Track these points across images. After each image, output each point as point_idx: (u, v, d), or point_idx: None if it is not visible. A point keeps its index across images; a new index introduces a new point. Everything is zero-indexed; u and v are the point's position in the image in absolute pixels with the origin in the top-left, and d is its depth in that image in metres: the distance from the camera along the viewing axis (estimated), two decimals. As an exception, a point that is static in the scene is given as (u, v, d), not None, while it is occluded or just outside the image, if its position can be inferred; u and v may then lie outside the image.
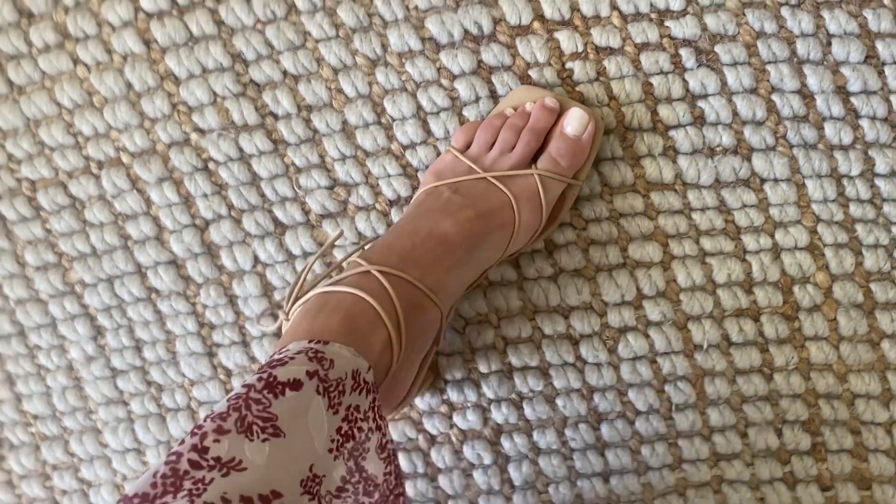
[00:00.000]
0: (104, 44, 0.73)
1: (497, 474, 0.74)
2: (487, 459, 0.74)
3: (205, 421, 0.45)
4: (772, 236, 0.68)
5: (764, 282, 0.69)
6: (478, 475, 0.74)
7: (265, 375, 0.47)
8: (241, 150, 0.73)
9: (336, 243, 0.74)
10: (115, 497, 0.81)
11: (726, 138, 0.67)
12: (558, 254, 0.71)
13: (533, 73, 0.68)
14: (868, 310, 0.69)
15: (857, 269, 0.68)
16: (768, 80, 0.66)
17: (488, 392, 0.73)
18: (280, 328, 0.69)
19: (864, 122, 0.66)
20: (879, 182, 0.67)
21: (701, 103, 0.67)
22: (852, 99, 0.66)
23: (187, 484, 0.41)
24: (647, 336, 0.71)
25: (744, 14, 0.66)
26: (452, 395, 0.74)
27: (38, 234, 0.78)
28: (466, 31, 0.69)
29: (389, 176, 0.72)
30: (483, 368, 0.73)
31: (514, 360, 0.72)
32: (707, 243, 0.69)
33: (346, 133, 0.72)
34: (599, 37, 0.67)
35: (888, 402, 0.70)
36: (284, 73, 0.71)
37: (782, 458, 0.71)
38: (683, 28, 0.66)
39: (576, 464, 0.73)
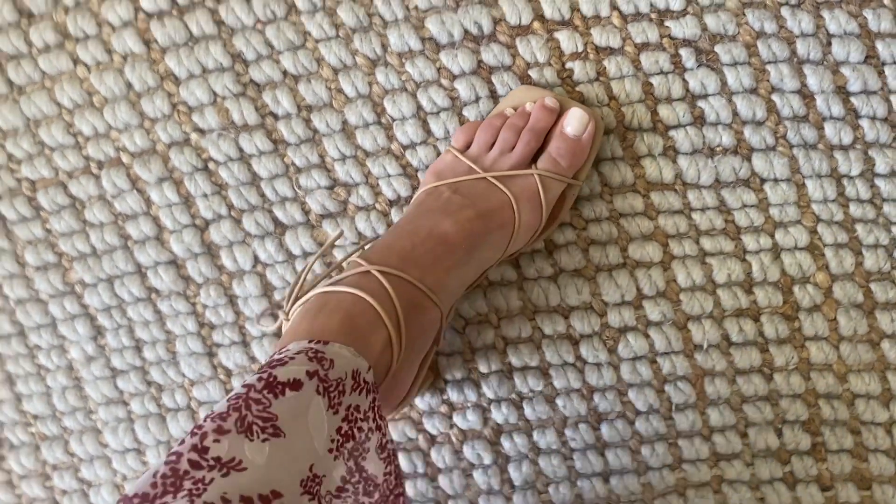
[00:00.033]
0: (104, 44, 0.73)
1: (497, 474, 0.74)
2: (487, 459, 0.74)
3: (205, 421, 0.45)
4: (772, 236, 0.68)
5: (764, 282, 0.69)
6: (478, 475, 0.74)
7: (265, 375, 0.47)
8: (241, 150, 0.73)
9: (336, 243, 0.74)
10: (116, 497, 0.81)
11: (726, 138, 0.67)
12: (558, 254, 0.71)
13: (533, 73, 0.68)
14: (868, 310, 0.69)
15: (857, 269, 0.68)
16: (768, 80, 0.66)
17: (488, 392, 0.73)
18: (280, 328, 0.69)
19: (864, 122, 0.66)
20: (879, 182, 0.67)
21: (701, 103, 0.67)
22: (852, 99, 0.66)
23: (187, 484, 0.41)
24: (647, 336, 0.71)
25: (744, 14, 0.66)
26: (452, 395, 0.74)
27: (38, 234, 0.78)
28: (466, 31, 0.69)
29: (389, 176, 0.72)
30: (483, 368, 0.73)
31: (514, 360, 0.72)
32: (707, 243, 0.69)
33: (346, 133, 0.72)
34: (599, 37, 0.67)
35: (888, 402, 0.70)
36: (284, 73, 0.71)
37: (782, 458, 0.71)
38: (683, 28, 0.66)
39: (576, 464, 0.73)
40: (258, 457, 0.43)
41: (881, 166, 0.66)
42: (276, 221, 0.74)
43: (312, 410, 0.47)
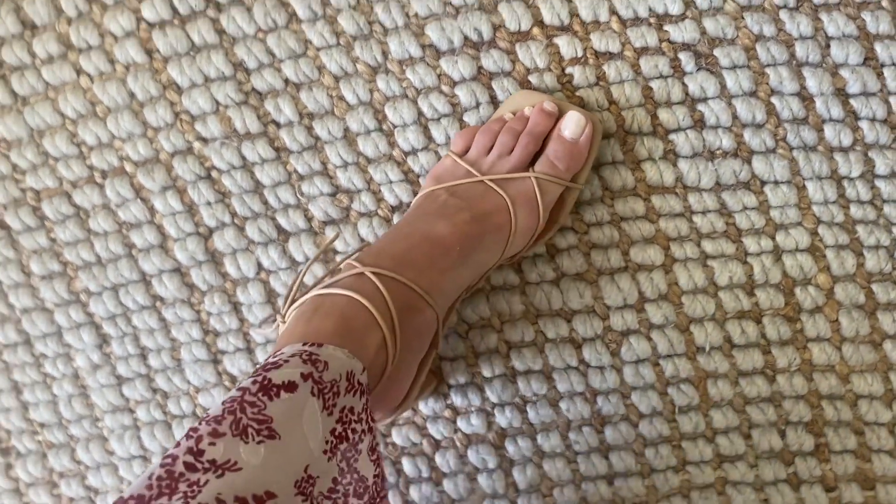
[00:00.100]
0: (107, 54, 0.74)
1: (502, 478, 0.74)
2: (492, 463, 0.74)
3: (200, 424, 0.45)
4: (773, 238, 0.69)
5: (765, 284, 0.69)
6: (482, 479, 0.75)
7: (259, 378, 0.48)
8: (243, 158, 0.73)
9: (340, 249, 0.74)
10: (122, 504, 0.82)
11: (726, 141, 0.68)
12: (560, 258, 0.71)
13: (533, 79, 0.69)
14: (870, 311, 0.69)
15: (859, 271, 0.68)
16: (767, 83, 0.66)
17: (492, 396, 0.73)
18: (278, 331, 0.69)
19: (864, 124, 0.66)
20: (880, 183, 0.67)
21: (701, 107, 0.68)
22: (851, 101, 0.66)
23: (182, 486, 0.42)
24: (649, 339, 0.71)
25: (742, 17, 0.66)
26: (456, 399, 0.74)
27: (43, 243, 0.78)
28: (466, 38, 0.69)
29: (391, 182, 0.72)
30: (486, 372, 0.73)
31: (518, 364, 0.73)
32: (708, 246, 0.69)
33: (348, 140, 0.72)
34: (599, 42, 0.68)
35: (891, 403, 0.70)
36: (286, 81, 0.72)
37: (786, 460, 0.71)
38: (682, 32, 0.67)
39: (580, 467, 0.73)
40: (253, 458, 0.44)
41: (881, 167, 0.66)
42: (279, 228, 0.74)
43: (307, 412, 0.48)
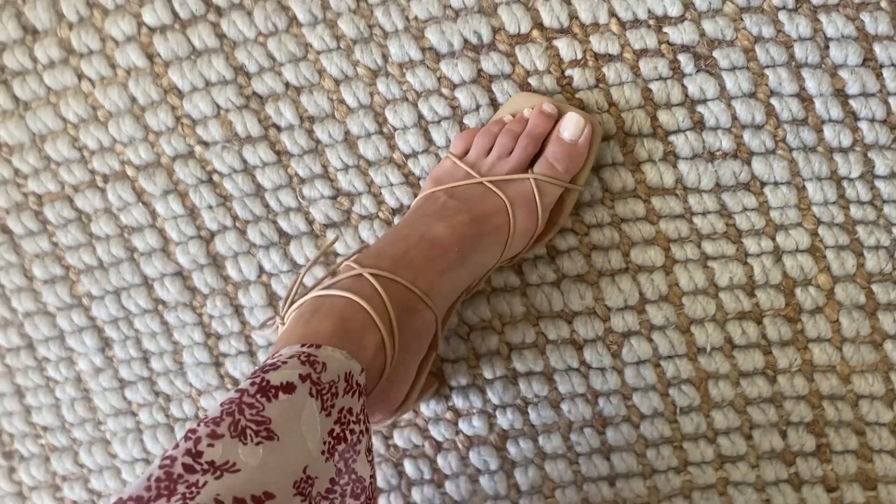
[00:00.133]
0: (108, 58, 0.74)
1: (503, 480, 0.75)
2: (494, 465, 0.74)
3: (199, 426, 0.45)
4: (773, 239, 0.69)
5: (766, 284, 0.69)
6: (484, 481, 0.75)
7: (258, 380, 0.48)
8: (244, 161, 0.74)
9: (341, 251, 0.74)
10: (125, 507, 0.82)
11: (726, 142, 0.68)
12: (561, 259, 0.71)
13: (533, 81, 0.69)
14: (870, 311, 0.69)
15: (859, 271, 0.68)
16: (767, 84, 0.67)
17: (493, 398, 0.74)
18: (277, 333, 0.70)
19: (863, 125, 0.66)
20: (879, 184, 0.67)
21: (700, 108, 0.68)
22: (851, 101, 0.66)
23: (181, 488, 0.42)
24: (650, 340, 0.71)
25: (741, 19, 0.66)
26: (458, 401, 0.74)
27: (45, 247, 0.78)
28: (466, 41, 0.69)
29: (392, 185, 0.72)
30: (488, 374, 0.73)
31: (519, 366, 0.73)
32: (709, 247, 0.69)
33: (349, 143, 0.72)
34: (598, 44, 0.68)
35: (892, 403, 0.70)
36: (287, 84, 0.72)
37: (787, 460, 0.71)
38: (681, 34, 0.67)
39: (582, 468, 0.74)
40: (252, 459, 0.44)
41: (881, 168, 0.67)
42: (280, 232, 0.75)
43: (306, 413, 0.48)
